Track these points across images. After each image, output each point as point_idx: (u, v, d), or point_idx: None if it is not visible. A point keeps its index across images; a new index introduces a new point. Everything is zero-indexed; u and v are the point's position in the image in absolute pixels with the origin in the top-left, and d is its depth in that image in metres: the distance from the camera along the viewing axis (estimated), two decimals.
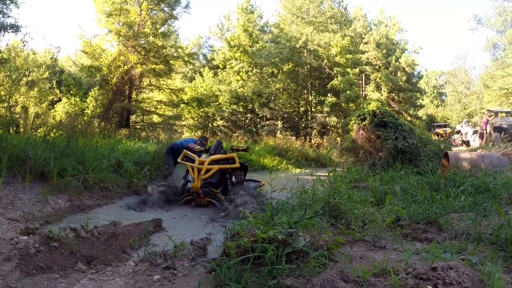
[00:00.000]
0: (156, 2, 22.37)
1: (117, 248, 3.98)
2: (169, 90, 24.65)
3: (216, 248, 3.86)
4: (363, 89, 38.67)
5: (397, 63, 37.60)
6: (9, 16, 8.24)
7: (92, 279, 3.15)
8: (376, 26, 41.80)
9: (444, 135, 32.89)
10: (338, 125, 33.70)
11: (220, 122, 35.03)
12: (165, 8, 23.34)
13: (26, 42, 15.93)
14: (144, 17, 22.11)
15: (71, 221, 5.43)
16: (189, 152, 8.01)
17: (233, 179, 8.04)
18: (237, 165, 7.68)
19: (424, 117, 48.63)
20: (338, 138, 30.88)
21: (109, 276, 3.21)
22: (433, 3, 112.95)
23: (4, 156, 6.41)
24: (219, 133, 32.92)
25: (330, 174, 5.96)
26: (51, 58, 39.34)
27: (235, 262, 3.08)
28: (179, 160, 8.12)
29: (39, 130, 13.16)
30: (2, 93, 17.58)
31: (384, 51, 37.58)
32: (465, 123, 30.70)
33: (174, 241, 4.01)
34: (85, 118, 20.23)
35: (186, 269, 3.39)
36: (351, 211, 5.10)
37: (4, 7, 8.43)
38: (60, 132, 9.72)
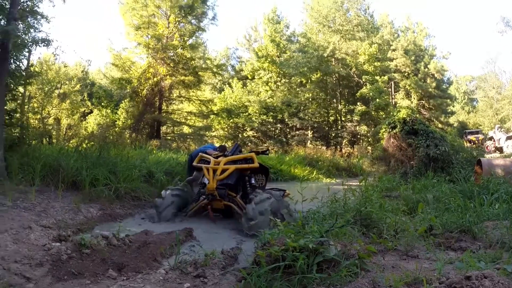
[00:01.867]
0: (183, 14, 22.69)
1: (148, 256, 4.01)
2: (199, 101, 24.96)
3: (247, 257, 3.84)
4: (393, 96, 38.21)
5: (426, 69, 37.04)
6: (40, 31, 8.50)
7: (123, 286, 3.17)
8: (403, 33, 41.25)
9: (476, 142, 32.18)
10: (368, 134, 33.37)
11: (250, 133, 35.14)
12: (193, 21, 23.71)
13: (57, 55, 16.44)
14: (172, 30, 22.47)
15: (103, 229, 5.50)
16: (204, 155, 7.48)
17: (253, 181, 7.29)
18: (256, 164, 6.94)
19: (455, 124, 47.75)
20: (369, 147, 30.50)
21: (139, 283, 3.23)
22: (460, 7, 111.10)
23: (37, 165, 6.59)
24: (250, 144, 33.01)
25: (361, 183, 5.88)
26: (82, 71, 40.22)
27: (265, 271, 3.05)
28: (194, 163, 7.52)
29: (71, 141, 13.45)
30: (35, 105, 18.05)
31: (413, 58, 37.08)
32: (497, 129, 29.98)
33: (205, 250, 4.02)
34: (116, 129, 20.60)
35: (217, 278, 3.38)
36: (383, 220, 5.02)
37: (36, 22, 8.73)
38: (92, 143, 9.94)
